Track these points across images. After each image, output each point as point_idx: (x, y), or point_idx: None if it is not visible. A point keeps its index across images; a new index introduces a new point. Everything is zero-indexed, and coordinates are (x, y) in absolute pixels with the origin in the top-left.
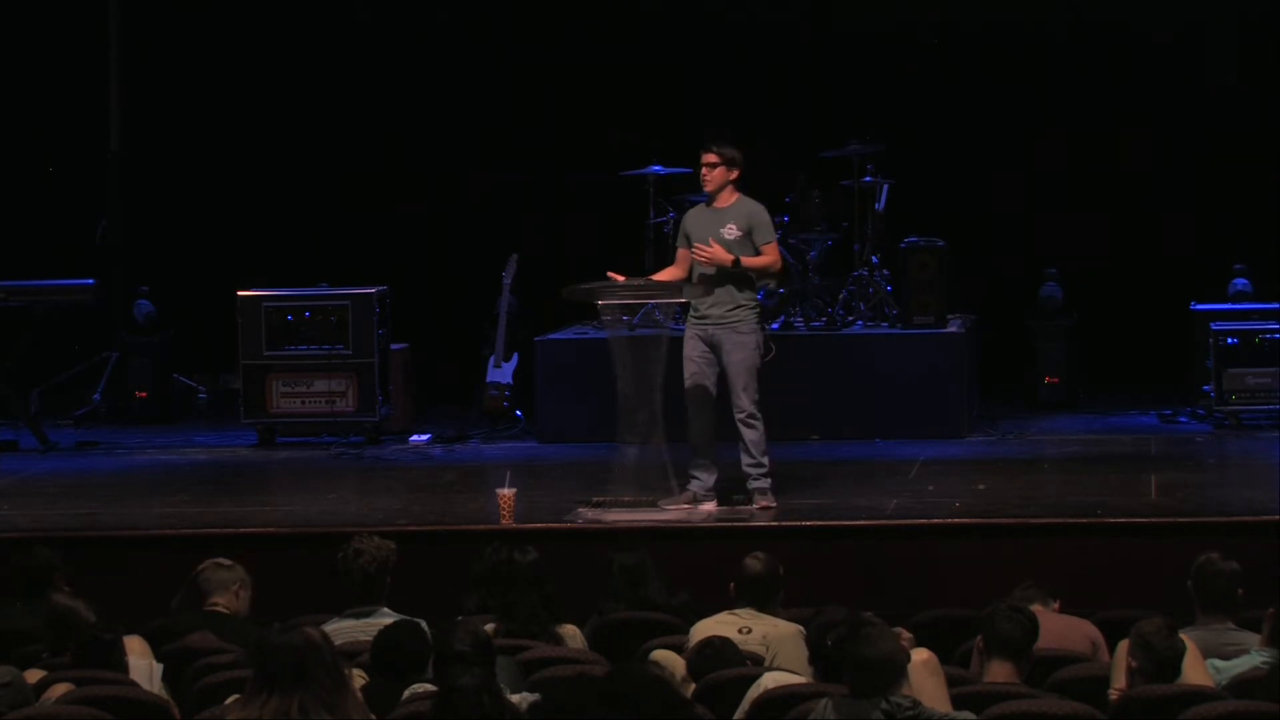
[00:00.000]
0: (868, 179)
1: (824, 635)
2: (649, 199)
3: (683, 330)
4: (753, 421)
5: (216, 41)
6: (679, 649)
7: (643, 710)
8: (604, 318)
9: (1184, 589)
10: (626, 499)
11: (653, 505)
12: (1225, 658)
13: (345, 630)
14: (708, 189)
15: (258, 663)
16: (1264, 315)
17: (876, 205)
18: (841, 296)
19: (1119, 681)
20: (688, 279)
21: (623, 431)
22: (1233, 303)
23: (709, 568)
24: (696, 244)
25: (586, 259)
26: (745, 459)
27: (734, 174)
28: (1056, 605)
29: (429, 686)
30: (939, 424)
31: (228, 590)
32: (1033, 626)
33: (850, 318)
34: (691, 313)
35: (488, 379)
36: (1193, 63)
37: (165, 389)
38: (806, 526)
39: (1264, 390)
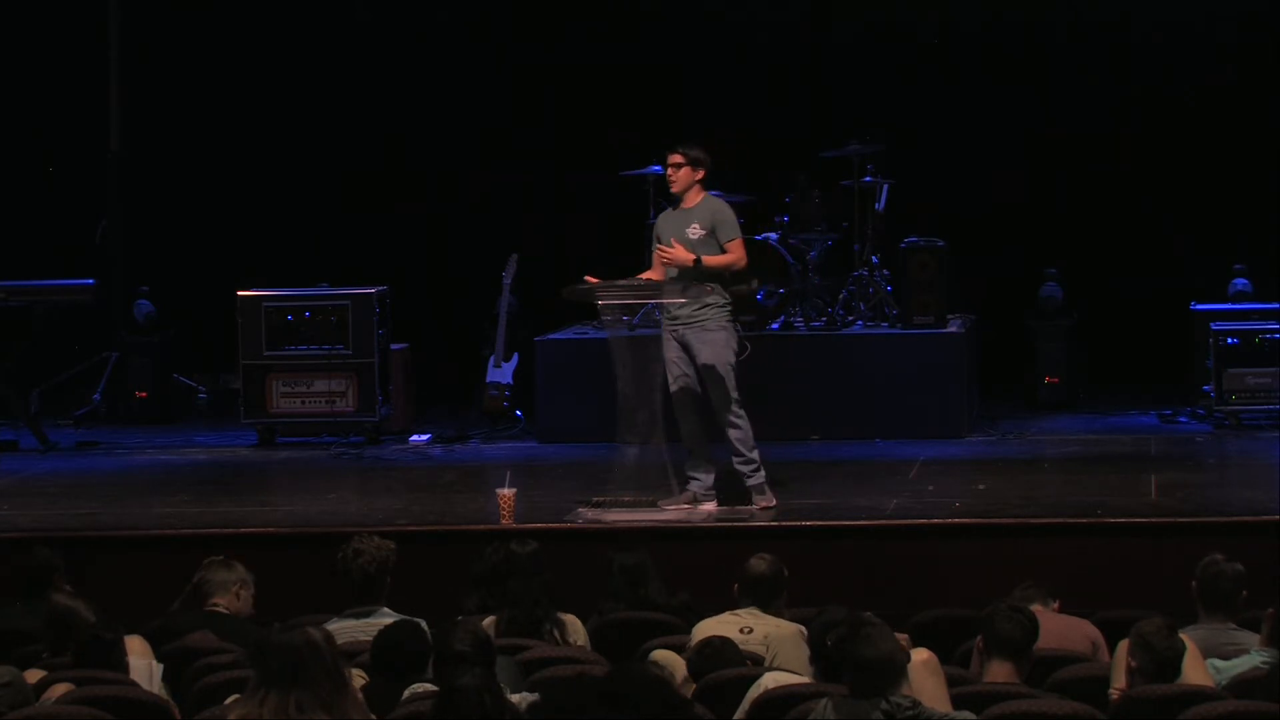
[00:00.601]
0: (868, 179)
1: (826, 635)
2: (649, 199)
3: None
4: (734, 420)
5: (216, 41)
6: (679, 649)
7: (643, 710)
8: (604, 318)
9: (1184, 589)
10: (626, 499)
11: (653, 505)
12: (1225, 658)
13: (345, 630)
14: (673, 189)
15: (257, 661)
16: (1264, 315)
17: (876, 205)
18: (841, 296)
19: (1119, 681)
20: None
21: (623, 431)
22: (1233, 303)
23: (709, 568)
24: (658, 245)
25: (586, 259)
26: (734, 459)
27: (699, 174)
28: (1056, 605)
29: (429, 686)
30: (939, 424)
31: (228, 590)
32: (1033, 626)
33: (850, 318)
34: (665, 314)
35: (488, 379)
36: (1192, 62)
37: (165, 389)
38: (806, 526)
39: (1264, 390)
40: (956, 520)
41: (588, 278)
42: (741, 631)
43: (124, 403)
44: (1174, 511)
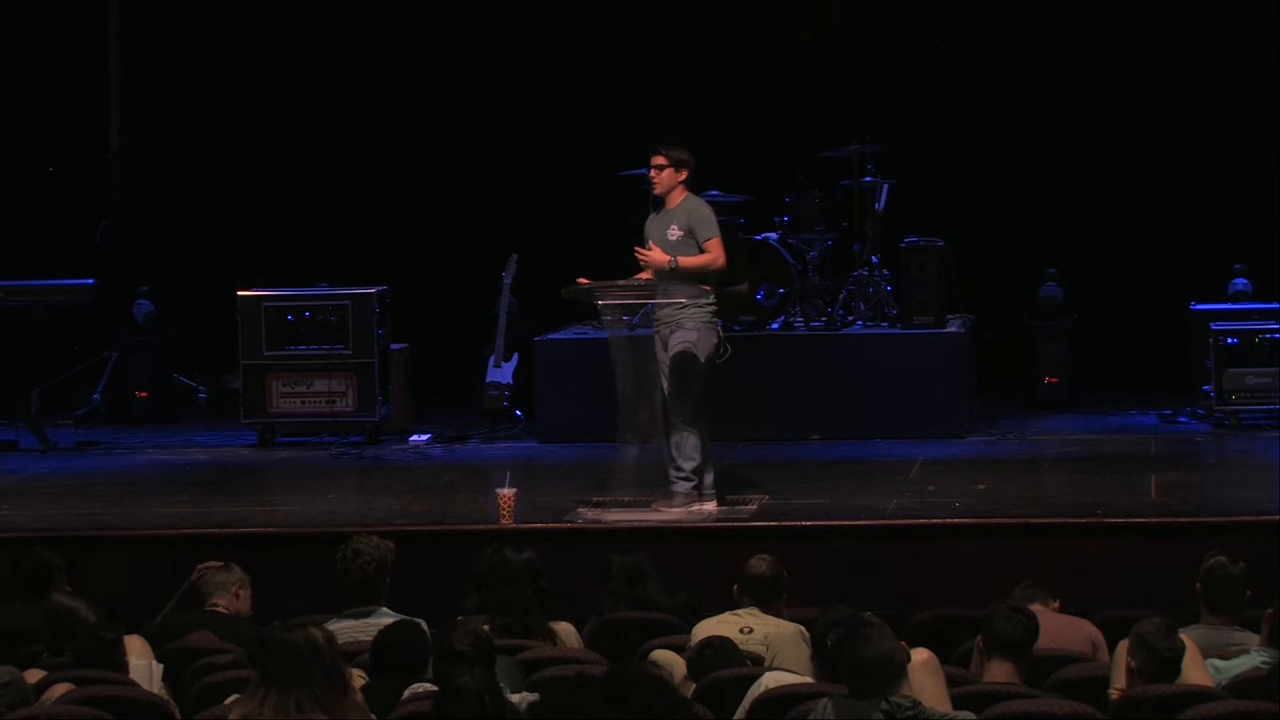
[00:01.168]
0: (868, 179)
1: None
2: (649, 199)
3: None
4: (680, 425)
5: (216, 41)
6: (679, 649)
7: (643, 710)
8: (604, 318)
9: (1184, 589)
10: (626, 499)
11: (648, 505)
12: (1225, 657)
13: (345, 630)
14: (656, 191)
15: (258, 660)
16: (1264, 315)
17: (876, 205)
18: (841, 296)
19: (1119, 681)
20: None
21: (623, 431)
22: (1233, 303)
23: (709, 568)
24: (637, 247)
25: (586, 259)
26: (669, 460)
27: (682, 175)
28: (1056, 605)
29: (429, 686)
30: (939, 424)
31: (228, 591)
32: (1033, 626)
33: (850, 318)
34: (653, 316)
35: (488, 379)
36: (1193, 62)
37: (165, 389)
38: (807, 526)
39: (1264, 390)
40: (956, 520)
41: (580, 280)
42: (741, 631)
43: (124, 403)
44: (1174, 511)
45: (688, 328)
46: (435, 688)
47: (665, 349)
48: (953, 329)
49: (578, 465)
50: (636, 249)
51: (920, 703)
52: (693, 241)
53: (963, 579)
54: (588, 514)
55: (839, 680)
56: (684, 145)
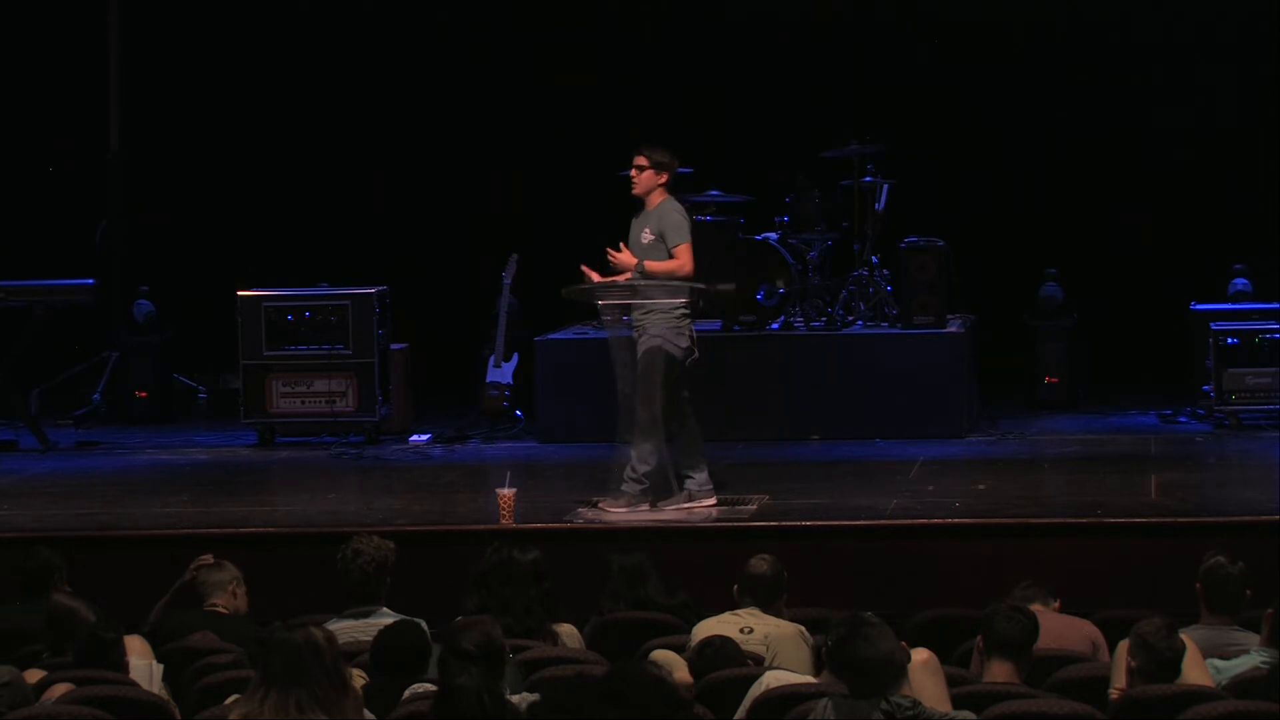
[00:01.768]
0: (868, 179)
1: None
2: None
3: None
4: (641, 428)
5: (217, 41)
6: (679, 649)
7: (643, 710)
8: (604, 318)
9: (1184, 589)
10: (622, 504)
11: (653, 505)
12: (1225, 657)
13: (345, 630)
14: (634, 191)
15: (258, 660)
16: (1264, 315)
17: (876, 205)
18: (841, 296)
19: (1119, 681)
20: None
21: (622, 431)
22: (1233, 303)
23: (709, 568)
24: (609, 249)
25: (587, 259)
26: (626, 467)
27: (662, 178)
28: (1056, 605)
29: (429, 686)
30: (939, 424)
31: (225, 590)
32: (1033, 626)
33: (850, 318)
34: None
35: (488, 379)
36: (1192, 62)
37: (165, 389)
38: (807, 526)
39: (1264, 390)
40: (956, 520)
41: (583, 268)
42: (741, 631)
43: (124, 403)
44: (1174, 511)
45: (651, 333)
46: (435, 688)
47: (612, 350)
48: (953, 329)
49: (578, 465)
50: (608, 250)
51: (920, 703)
52: (663, 246)
53: (963, 579)
54: (588, 514)
55: (843, 680)
56: (668, 149)
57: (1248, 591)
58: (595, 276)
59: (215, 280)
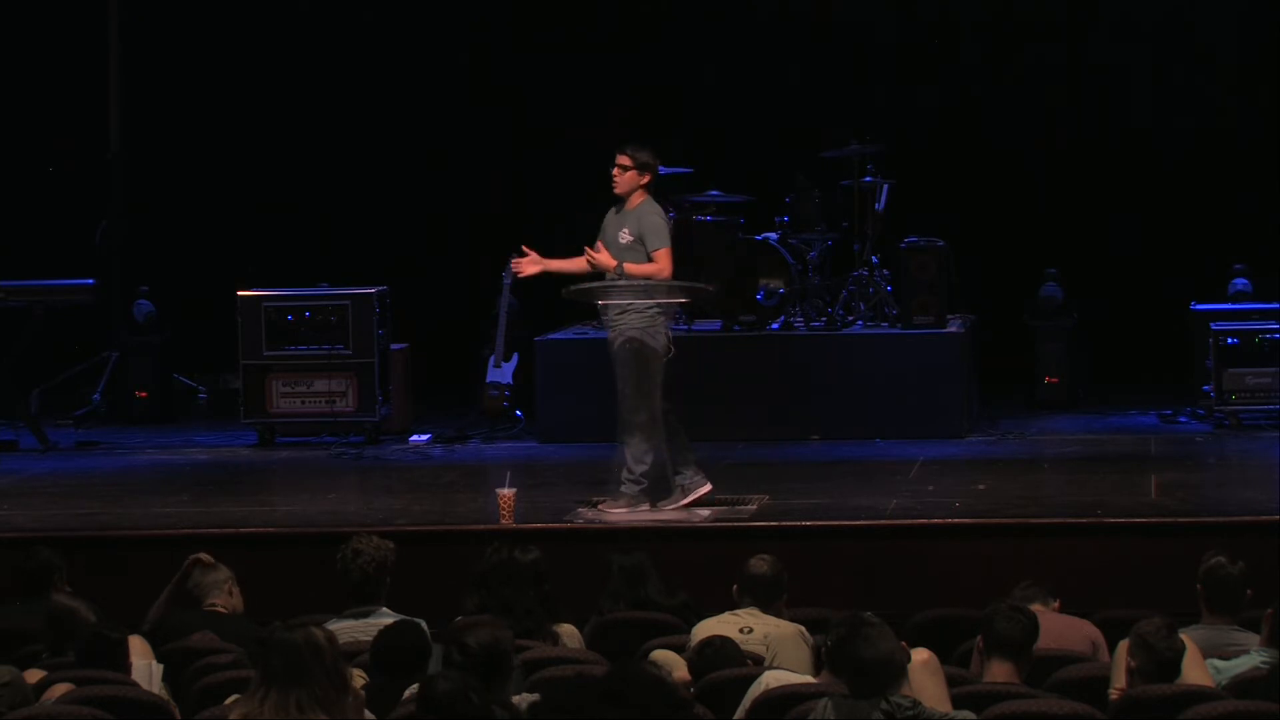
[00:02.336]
0: (868, 179)
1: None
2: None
3: (682, 330)
4: (632, 428)
5: (216, 41)
6: (679, 649)
7: (643, 710)
8: (604, 318)
9: (1184, 589)
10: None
11: (653, 505)
12: (1225, 657)
13: (345, 630)
14: (616, 191)
15: (259, 660)
16: (1264, 315)
17: (876, 205)
18: (841, 296)
19: (1119, 681)
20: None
21: (622, 431)
22: (1233, 303)
23: (709, 568)
24: (586, 247)
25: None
26: (620, 461)
27: (645, 178)
28: (1056, 605)
29: None
30: (939, 424)
31: (222, 590)
32: (1033, 626)
33: (850, 318)
34: (601, 318)
35: (488, 379)
36: (1193, 62)
37: (165, 389)
38: (806, 526)
39: (1264, 390)
40: (956, 520)
41: (586, 249)
42: (741, 631)
43: (124, 403)
44: (1174, 511)
45: (629, 335)
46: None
47: (609, 351)
48: (953, 329)
49: (578, 465)
50: (586, 249)
51: (920, 703)
52: (641, 248)
53: (963, 579)
54: (588, 514)
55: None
56: (651, 149)
57: (1248, 591)
58: (605, 256)
59: (215, 280)
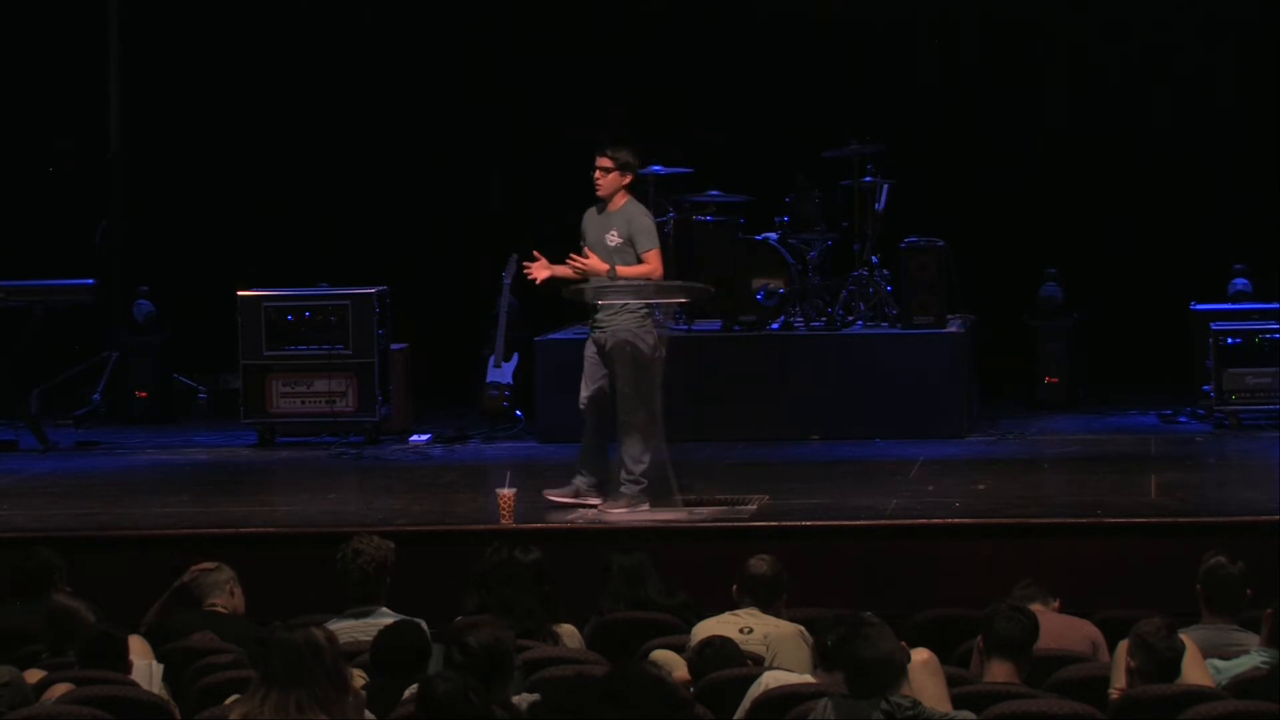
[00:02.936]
0: (868, 179)
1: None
2: (648, 199)
3: (682, 330)
4: (628, 431)
5: (216, 41)
6: (679, 649)
7: (643, 710)
8: (595, 318)
9: (1184, 589)
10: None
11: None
12: (1225, 657)
13: (345, 630)
14: (599, 193)
15: (259, 660)
16: (1264, 315)
17: (876, 205)
18: (841, 296)
19: (1119, 681)
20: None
21: (619, 431)
22: (1233, 303)
23: (709, 568)
24: (571, 255)
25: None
26: (618, 461)
27: (626, 179)
28: (1056, 605)
29: None
30: (939, 424)
31: (223, 590)
32: (1033, 626)
33: (850, 318)
34: (589, 320)
35: (488, 379)
36: (1193, 61)
37: (165, 389)
38: (807, 526)
39: (1264, 390)
40: (956, 520)
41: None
42: (741, 631)
43: (124, 403)
44: (1174, 511)
45: (625, 336)
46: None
47: (601, 353)
48: (953, 329)
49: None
50: (573, 257)
51: (920, 703)
52: (630, 249)
53: (963, 579)
54: (588, 514)
55: (843, 680)
56: (630, 148)
57: (1248, 591)
58: (595, 261)
59: (215, 280)
